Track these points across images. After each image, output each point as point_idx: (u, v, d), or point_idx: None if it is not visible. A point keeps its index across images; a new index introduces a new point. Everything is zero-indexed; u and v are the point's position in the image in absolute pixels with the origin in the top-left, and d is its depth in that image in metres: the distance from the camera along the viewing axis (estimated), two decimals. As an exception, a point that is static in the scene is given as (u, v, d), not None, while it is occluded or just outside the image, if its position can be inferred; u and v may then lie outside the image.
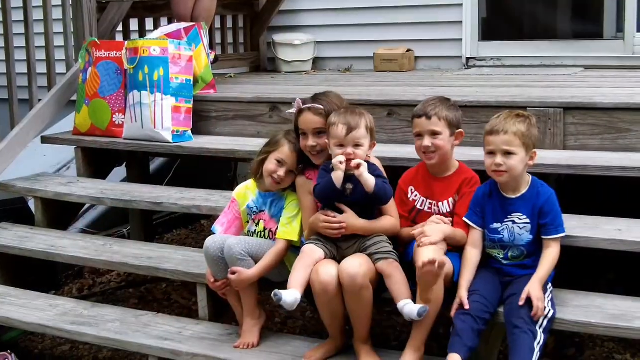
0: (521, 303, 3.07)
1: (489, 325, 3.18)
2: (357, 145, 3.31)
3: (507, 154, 3.18)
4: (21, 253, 4.43)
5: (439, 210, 3.43)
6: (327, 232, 3.34)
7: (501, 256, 3.31)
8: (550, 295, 3.20)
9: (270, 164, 3.57)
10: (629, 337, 3.24)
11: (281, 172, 3.56)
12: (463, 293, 3.20)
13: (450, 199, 3.42)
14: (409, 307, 3.15)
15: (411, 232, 3.29)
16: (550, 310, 3.13)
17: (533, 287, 3.10)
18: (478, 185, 3.40)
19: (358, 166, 3.26)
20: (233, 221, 3.72)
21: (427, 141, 3.35)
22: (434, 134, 3.35)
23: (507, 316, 3.13)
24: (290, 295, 3.19)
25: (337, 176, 3.28)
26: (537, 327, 3.07)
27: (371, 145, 3.40)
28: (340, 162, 3.27)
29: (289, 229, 3.54)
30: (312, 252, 3.31)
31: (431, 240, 3.17)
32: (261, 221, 3.67)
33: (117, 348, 3.98)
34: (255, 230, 3.66)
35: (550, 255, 3.21)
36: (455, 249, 3.35)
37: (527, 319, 3.05)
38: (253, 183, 3.72)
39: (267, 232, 3.65)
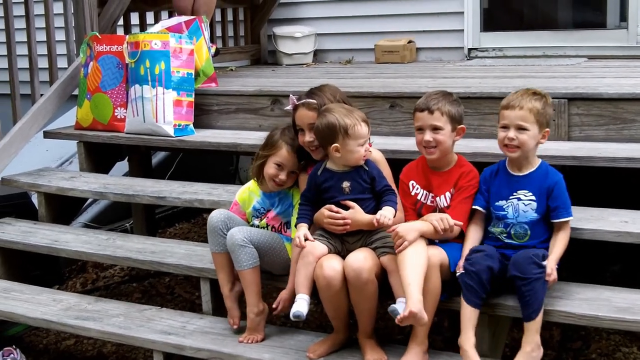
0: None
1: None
2: None
3: (520, 129, 3.21)
4: (25, 248, 4.42)
5: (438, 204, 3.40)
6: (331, 228, 3.31)
7: (504, 235, 3.28)
8: None
9: (270, 169, 3.56)
10: (636, 330, 3.23)
11: (282, 175, 3.54)
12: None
13: (448, 193, 3.38)
14: (402, 307, 3.09)
15: (388, 232, 3.25)
16: None
17: (549, 266, 3.11)
18: (476, 180, 3.38)
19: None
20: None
21: (428, 136, 3.32)
22: (436, 128, 3.32)
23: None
24: (301, 307, 3.22)
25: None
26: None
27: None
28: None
29: None
30: (314, 249, 3.27)
31: (407, 240, 3.14)
32: (264, 218, 3.66)
33: (121, 342, 3.97)
34: (259, 225, 3.66)
35: (563, 239, 3.21)
36: (454, 239, 3.32)
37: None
38: (255, 184, 3.70)
39: (269, 228, 3.64)
